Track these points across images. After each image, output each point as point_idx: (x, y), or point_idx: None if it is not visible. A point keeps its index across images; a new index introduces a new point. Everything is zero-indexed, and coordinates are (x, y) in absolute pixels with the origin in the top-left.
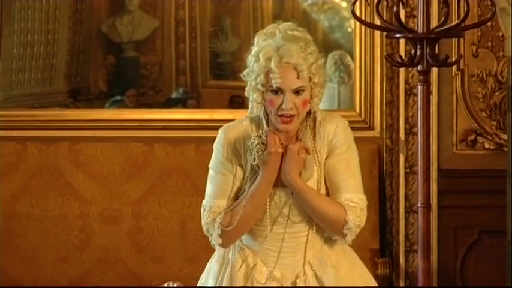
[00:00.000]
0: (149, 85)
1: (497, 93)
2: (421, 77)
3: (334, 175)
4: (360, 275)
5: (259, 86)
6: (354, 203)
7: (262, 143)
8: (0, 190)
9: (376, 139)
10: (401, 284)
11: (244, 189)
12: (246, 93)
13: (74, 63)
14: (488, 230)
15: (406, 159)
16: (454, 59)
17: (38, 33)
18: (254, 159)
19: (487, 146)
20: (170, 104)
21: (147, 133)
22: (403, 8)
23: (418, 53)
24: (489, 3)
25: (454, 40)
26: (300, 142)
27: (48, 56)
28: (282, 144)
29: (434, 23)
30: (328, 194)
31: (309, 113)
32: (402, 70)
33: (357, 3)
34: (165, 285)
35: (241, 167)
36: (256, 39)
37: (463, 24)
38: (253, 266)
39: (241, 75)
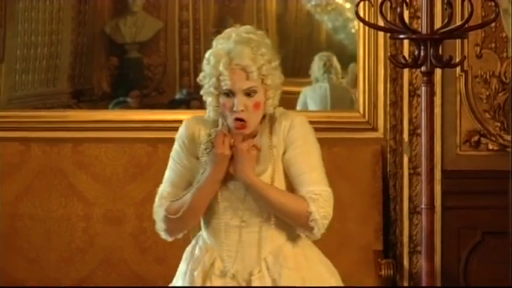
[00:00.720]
0: (153, 86)
1: (500, 94)
2: (425, 78)
3: (294, 168)
4: (321, 278)
5: (212, 89)
6: (316, 195)
7: (211, 142)
8: (3, 191)
9: (379, 140)
10: (405, 285)
11: (199, 181)
12: (203, 98)
13: (77, 64)
14: (491, 230)
15: (409, 160)
16: (457, 60)
17: (42, 34)
18: (202, 156)
19: (490, 147)
20: (174, 105)
21: (150, 134)
22: (407, 9)
23: (422, 54)
24: (493, 4)
25: (458, 41)
26: (249, 140)
27: (52, 57)
28: (232, 146)
29: (438, 24)
30: (291, 190)
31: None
32: (406, 71)
33: (361, 4)
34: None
35: (198, 158)
36: (214, 43)
37: (466, 25)
38: (212, 262)
39: (197, 80)
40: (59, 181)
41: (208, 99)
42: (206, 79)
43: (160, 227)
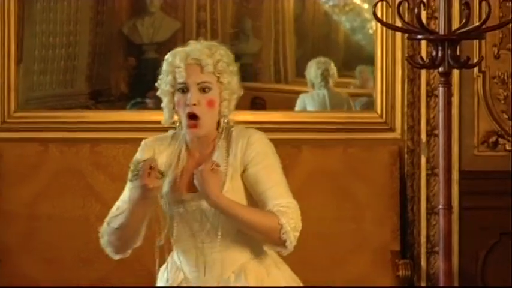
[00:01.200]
0: None
1: None
2: (442, 79)
3: (257, 186)
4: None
5: (168, 86)
6: (284, 207)
7: (137, 171)
8: (21, 191)
9: (397, 141)
10: (423, 285)
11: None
12: (162, 105)
13: (95, 65)
14: (509, 231)
15: (427, 161)
16: (475, 61)
17: (60, 35)
18: (130, 180)
19: (508, 147)
20: None
21: None
22: (424, 10)
23: (440, 54)
24: (510, 4)
25: (475, 42)
26: (209, 161)
27: (70, 58)
28: (159, 174)
29: (455, 24)
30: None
31: (219, 123)
32: (423, 72)
33: (378, 5)
34: None
35: None
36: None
37: (484, 26)
38: (180, 282)
39: (156, 85)
40: (76, 182)
41: (165, 100)
42: (163, 79)
43: (104, 241)
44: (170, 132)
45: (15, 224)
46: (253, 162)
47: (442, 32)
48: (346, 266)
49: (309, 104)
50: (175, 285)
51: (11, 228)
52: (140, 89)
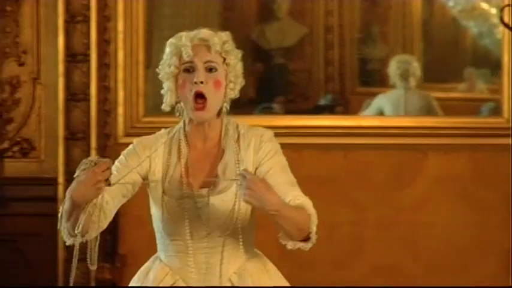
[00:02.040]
0: (297, 92)
1: None
2: None
3: (272, 179)
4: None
5: (172, 67)
6: (305, 199)
7: (91, 166)
8: None
9: None
10: None
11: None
12: (162, 91)
13: None
14: None
15: None
16: None
17: None
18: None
19: None
20: (318, 110)
21: (295, 140)
22: None
23: None
24: None
25: None
26: (251, 177)
27: None
28: (106, 182)
29: None
30: (250, 208)
31: (220, 112)
32: None
33: (506, 9)
34: None
35: (139, 178)
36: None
37: None
38: (173, 283)
39: (156, 70)
40: None
41: (167, 83)
42: (166, 61)
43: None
44: (162, 131)
45: (268, 230)
46: (266, 158)
47: None
48: (472, 270)
49: (384, 104)
50: (168, 285)
51: (266, 234)
52: (268, 94)
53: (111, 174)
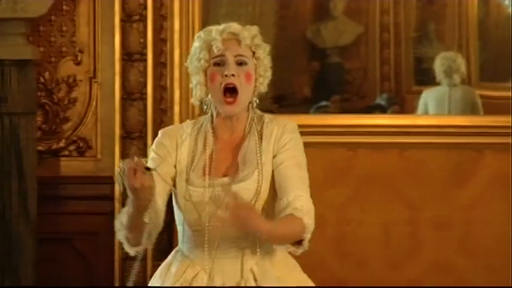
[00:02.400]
0: (353, 91)
1: None
2: None
3: (283, 171)
4: (300, 282)
5: (202, 61)
6: (306, 203)
7: (123, 173)
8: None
9: None
10: None
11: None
12: (190, 84)
13: (278, 69)
14: None
15: None
16: None
17: None
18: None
19: None
20: (373, 109)
21: (350, 139)
22: None
23: None
24: None
25: None
26: (241, 205)
27: None
28: (145, 170)
29: None
30: (271, 195)
31: (251, 104)
32: None
33: None
34: None
35: (173, 168)
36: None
37: None
38: (194, 276)
39: (185, 64)
40: None
41: (196, 77)
42: (196, 55)
43: (119, 236)
44: (188, 121)
45: (325, 228)
46: (284, 148)
47: None
48: None
49: (429, 101)
50: (189, 279)
51: (322, 232)
52: (323, 92)
53: (143, 160)
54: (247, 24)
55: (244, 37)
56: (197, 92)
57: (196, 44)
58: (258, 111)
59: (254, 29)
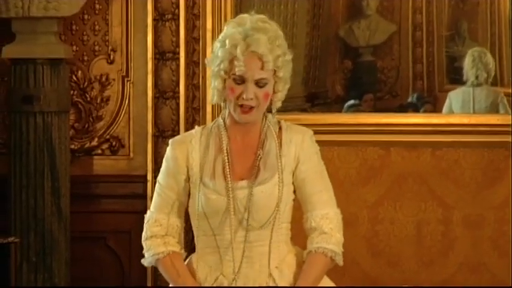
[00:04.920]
0: (386, 89)
1: None
2: None
3: (307, 185)
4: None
5: (222, 72)
6: (330, 224)
7: None
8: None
9: None
10: None
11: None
12: (211, 86)
13: (311, 67)
14: None
15: None
16: None
17: None
18: None
19: None
20: (406, 108)
21: (383, 137)
22: None
23: None
24: None
25: None
26: None
27: None
28: None
29: None
30: (290, 198)
31: (270, 110)
32: None
33: None
34: None
35: (186, 181)
36: (225, 27)
37: None
38: (215, 280)
39: (205, 61)
40: None
41: (215, 82)
42: (217, 61)
43: (147, 263)
44: (196, 128)
45: (357, 226)
46: (307, 160)
47: None
48: None
49: (453, 99)
50: (211, 282)
51: (354, 231)
52: (356, 91)
53: None
54: (280, 24)
55: (267, 61)
56: (214, 97)
57: (217, 44)
58: (270, 115)
59: (277, 47)
